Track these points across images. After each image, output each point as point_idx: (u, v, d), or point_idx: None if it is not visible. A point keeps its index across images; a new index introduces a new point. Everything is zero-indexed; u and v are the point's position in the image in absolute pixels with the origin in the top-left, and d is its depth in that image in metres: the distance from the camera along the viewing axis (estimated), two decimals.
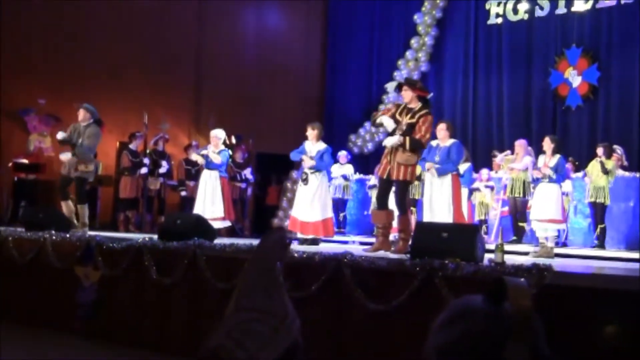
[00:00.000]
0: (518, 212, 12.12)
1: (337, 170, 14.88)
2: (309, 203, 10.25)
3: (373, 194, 13.47)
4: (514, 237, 11.96)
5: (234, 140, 15.92)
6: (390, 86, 8.78)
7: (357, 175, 15.52)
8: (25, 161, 14.27)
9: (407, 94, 8.50)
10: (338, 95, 18.73)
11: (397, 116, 8.38)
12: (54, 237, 8.51)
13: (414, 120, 8.25)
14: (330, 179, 12.71)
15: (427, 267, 5.25)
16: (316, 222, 10.17)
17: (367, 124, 17.29)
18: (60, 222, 9.30)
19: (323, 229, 10.17)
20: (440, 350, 1.46)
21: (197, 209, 11.07)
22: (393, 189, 8.48)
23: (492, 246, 6.04)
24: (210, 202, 11.18)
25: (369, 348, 5.63)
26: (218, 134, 11.47)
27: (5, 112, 14.62)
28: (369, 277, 5.65)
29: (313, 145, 10.45)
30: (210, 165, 11.28)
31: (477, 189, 12.80)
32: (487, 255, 5.75)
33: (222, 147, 11.49)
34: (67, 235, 8.55)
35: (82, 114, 10.18)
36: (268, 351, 3.11)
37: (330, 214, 10.49)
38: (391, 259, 5.88)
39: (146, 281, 7.37)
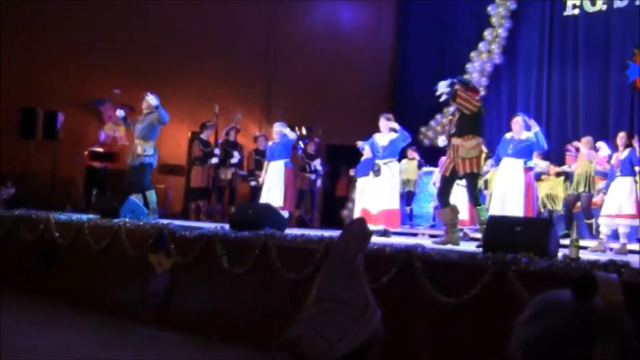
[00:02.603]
0: (583, 209, 11.78)
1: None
2: (376, 194, 10.28)
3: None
4: (566, 231, 11.66)
5: (304, 131, 15.97)
6: (442, 85, 8.60)
7: (427, 168, 15.28)
8: (100, 150, 14.54)
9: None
10: (409, 87, 18.56)
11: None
12: (127, 225, 8.66)
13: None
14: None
15: (500, 261, 5.18)
16: (379, 213, 10.17)
17: (438, 116, 17.13)
18: (135, 210, 9.47)
19: (385, 219, 10.14)
20: (526, 345, 1.42)
21: (262, 199, 11.57)
22: (463, 183, 8.51)
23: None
24: (271, 191, 11.64)
25: (439, 341, 5.59)
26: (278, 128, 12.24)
27: (82, 103, 14.94)
28: (440, 270, 5.61)
29: (383, 136, 10.46)
30: (271, 157, 11.95)
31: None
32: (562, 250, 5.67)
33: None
34: (141, 223, 8.69)
35: (145, 102, 10.46)
36: (348, 341, 3.11)
37: (395, 205, 10.44)
38: (463, 252, 5.82)
39: (217, 270, 7.43)
